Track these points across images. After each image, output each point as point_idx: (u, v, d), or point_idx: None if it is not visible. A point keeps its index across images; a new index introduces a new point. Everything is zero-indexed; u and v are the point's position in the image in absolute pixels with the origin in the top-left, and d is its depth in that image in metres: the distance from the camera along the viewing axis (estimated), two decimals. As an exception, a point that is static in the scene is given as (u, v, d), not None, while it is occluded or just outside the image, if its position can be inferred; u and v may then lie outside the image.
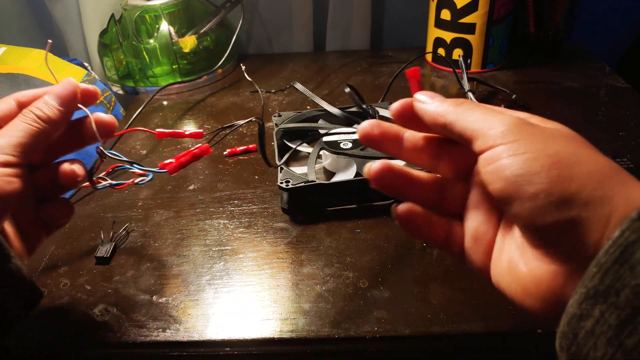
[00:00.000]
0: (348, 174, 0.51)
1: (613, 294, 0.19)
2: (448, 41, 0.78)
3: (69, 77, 0.34)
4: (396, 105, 0.29)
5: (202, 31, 0.81)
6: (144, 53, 0.79)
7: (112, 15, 0.80)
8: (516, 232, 0.26)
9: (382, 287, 0.41)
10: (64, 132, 0.34)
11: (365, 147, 0.53)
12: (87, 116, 0.34)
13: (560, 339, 0.21)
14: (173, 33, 0.78)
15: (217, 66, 0.83)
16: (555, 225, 0.22)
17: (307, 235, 0.47)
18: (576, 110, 0.66)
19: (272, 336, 0.37)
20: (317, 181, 0.48)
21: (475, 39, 0.76)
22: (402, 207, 0.31)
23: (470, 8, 0.73)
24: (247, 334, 0.38)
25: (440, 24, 0.78)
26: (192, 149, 0.37)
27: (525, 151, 0.22)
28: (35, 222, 0.34)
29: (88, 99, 0.35)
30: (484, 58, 0.78)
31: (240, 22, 0.85)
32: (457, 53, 0.78)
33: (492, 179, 0.23)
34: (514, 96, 0.69)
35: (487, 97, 0.71)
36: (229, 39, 0.84)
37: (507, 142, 0.23)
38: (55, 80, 0.35)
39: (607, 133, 0.60)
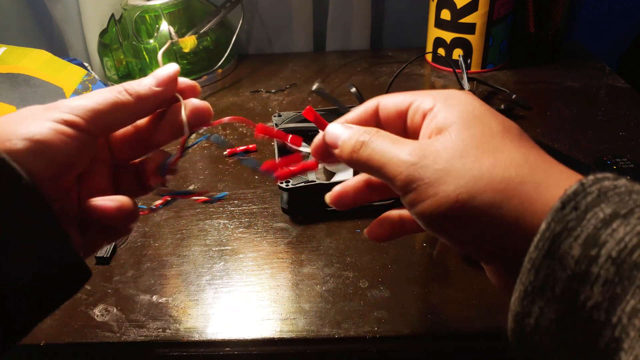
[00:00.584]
0: (348, 174, 0.51)
1: (548, 289, 0.19)
2: (448, 41, 0.78)
3: (173, 63, 0.30)
4: (313, 145, 0.32)
5: (202, 31, 0.81)
6: (144, 53, 0.79)
7: (112, 15, 0.80)
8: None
9: (382, 287, 0.41)
10: (151, 123, 0.31)
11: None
12: (178, 103, 0.30)
13: (511, 336, 0.22)
14: (173, 33, 0.78)
15: (217, 66, 0.83)
16: (481, 257, 0.24)
17: (307, 235, 0.47)
18: (576, 110, 0.66)
19: (272, 336, 0.37)
20: (317, 181, 0.48)
21: (475, 39, 0.76)
22: (373, 229, 0.33)
23: (470, 8, 0.73)
24: (247, 334, 0.38)
25: (440, 24, 0.78)
26: (301, 161, 0.35)
27: (429, 196, 0.24)
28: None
29: (188, 91, 0.31)
30: (484, 58, 0.78)
31: (240, 22, 0.85)
32: (457, 53, 0.78)
33: (416, 219, 0.25)
34: (514, 96, 0.69)
35: (487, 97, 0.71)
36: (229, 39, 0.84)
37: (414, 187, 0.24)
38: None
39: (607, 133, 0.60)
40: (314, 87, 0.56)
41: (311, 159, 0.34)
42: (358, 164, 0.27)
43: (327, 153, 0.30)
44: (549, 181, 0.22)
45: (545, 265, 0.20)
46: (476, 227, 0.22)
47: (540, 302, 0.20)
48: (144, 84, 0.28)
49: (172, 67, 0.29)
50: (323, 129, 0.30)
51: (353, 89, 0.56)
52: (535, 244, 0.20)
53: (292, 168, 0.34)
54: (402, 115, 0.28)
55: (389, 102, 0.29)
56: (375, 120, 0.29)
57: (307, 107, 0.32)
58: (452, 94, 0.27)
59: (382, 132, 0.27)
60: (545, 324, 0.20)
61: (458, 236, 0.23)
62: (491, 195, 0.22)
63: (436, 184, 0.23)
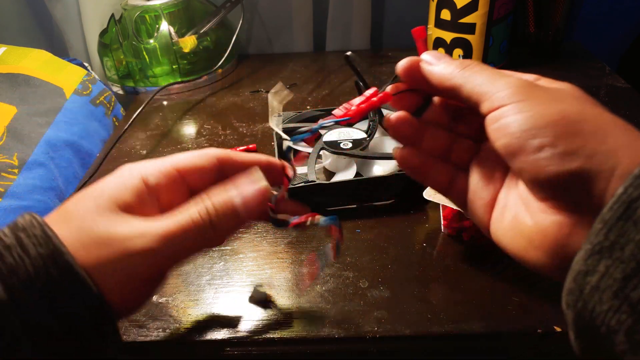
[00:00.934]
0: (348, 174, 0.51)
1: (617, 249, 0.19)
2: (448, 41, 0.78)
3: (260, 178, 0.28)
4: (403, 63, 0.30)
5: (202, 31, 0.81)
6: (144, 53, 0.79)
7: (112, 15, 0.80)
8: (521, 188, 0.26)
9: (382, 287, 0.41)
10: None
11: (366, 147, 0.53)
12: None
13: (567, 296, 0.22)
14: (173, 33, 0.78)
15: (217, 66, 0.83)
16: (559, 177, 0.22)
17: (307, 235, 0.47)
18: (576, 110, 0.66)
19: (272, 336, 0.37)
20: (317, 181, 0.48)
21: (475, 39, 0.76)
22: (404, 151, 0.32)
23: (470, 8, 0.73)
24: (247, 334, 0.38)
25: (440, 24, 0.78)
26: (369, 98, 0.32)
27: (530, 109, 0.23)
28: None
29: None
30: (484, 58, 0.78)
31: (240, 22, 0.85)
32: (457, 53, 0.78)
33: (498, 136, 0.24)
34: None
35: (487, 97, 0.71)
36: (229, 39, 0.84)
37: (513, 102, 0.24)
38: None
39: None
40: (348, 53, 0.56)
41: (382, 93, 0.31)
42: (453, 82, 0.27)
43: (414, 73, 0.30)
44: (626, 148, 0.22)
45: (618, 227, 0.20)
46: (571, 145, 0.22)
47: (607, 261, 0.20)
48: (230, 214, 0.27)
49: (261, 189, 0.28)
50: (422, 52, 0.30)
51: (349, 53, 0.56)
52: (610, 206, 0.20)
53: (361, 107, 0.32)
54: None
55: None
56: None
57: (419, 27, 0.32)
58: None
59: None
60: (609, 282, 0.19)
61: (546, 150, 0.22)
62: (598, 125, 0.22)
63: (544, 103, 0.23)
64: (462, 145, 0.31)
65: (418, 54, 0.31)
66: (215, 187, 0.28)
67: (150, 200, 0.27)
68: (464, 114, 0.31)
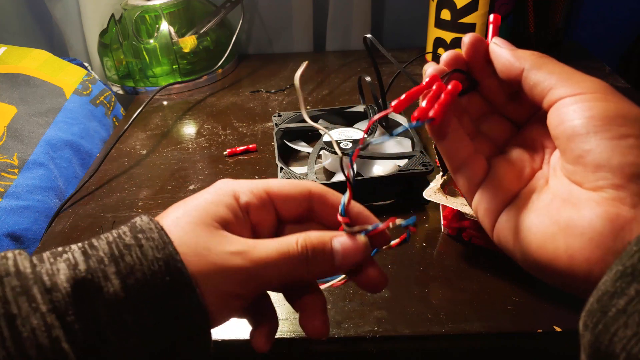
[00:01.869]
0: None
1: None
2: (448, 41, 0.78)
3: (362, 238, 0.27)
4: (470, 37, 0.29)
5: (202, 31, 0.81)
6: (144, 53, 0.79)
7: (112, 15, 0.80)
8: (555, 186, 0.25)
9: (382, 287, 0.41)
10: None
11: (366, 147, 0.53)
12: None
13: (586, 317, 0.20)
14: (173, 33, 0.78)
15: (217, 66, 0.83)
16: (632, 167, 0.22)
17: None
18: (576, 110, 0.66)
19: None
20: (317, 181, 0.48)
21: (475, 39, 0.76)
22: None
23: (470, 8, 0.73)
24: (247, 334, 0.37)
25: (440, 24, 0.78)
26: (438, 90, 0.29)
27: (616, 102, 0.23)
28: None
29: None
30: (484, 58, 0.78)
31: (240, 22, 0.85)
32: (457, 53, 0.78)
33: (572, 117, 0.24)
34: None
35: (487, 97, 0.71)
36: (229, 39, 0.84)
37: (596, 92, 0.24)
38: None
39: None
40: (367, 78, 0.56)
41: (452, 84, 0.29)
42: (527, 64, 0.27)
43: (478, 49, 0.29)
44: None
45: None
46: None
47: (637, 286, 0.19)
48: (326, 257, 0.27)
49: (361, 244, 0.27)
50: (492, 37, 0.30)
51: (368, 78, 0.56)
52: None
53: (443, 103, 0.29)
54: None
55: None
56: None
57: (497, 15, 0.31)
58: None
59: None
60: (639, 307, 0.18)
61: (631, 139, 0.22)
62: None
63: (622, 100, 0.24)
64: (485, 142, 0.30)
65: (486, 38, 0.30)
66: (315, 230, 0.27)
67: (242, 218, 0.27)
68: (496, 117, 0.31)
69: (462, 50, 0.29)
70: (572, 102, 0.24)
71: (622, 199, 0.22)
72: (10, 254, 0.23)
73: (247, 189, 0.28)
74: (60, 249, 0.24)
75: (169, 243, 0.24)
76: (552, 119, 0.25)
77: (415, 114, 0.29)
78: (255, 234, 0.28)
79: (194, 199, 0.27)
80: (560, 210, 0.24)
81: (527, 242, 0.25)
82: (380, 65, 0.85)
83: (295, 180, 0.29)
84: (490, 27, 0.30)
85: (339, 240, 0.27)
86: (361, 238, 0.27)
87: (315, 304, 0.29)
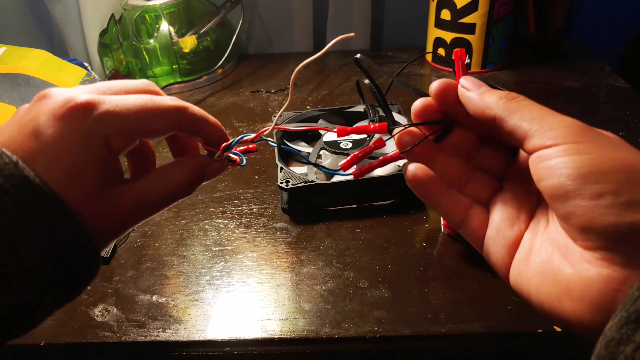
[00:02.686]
0: (348, 174, 0.51)
1: None
2: (448, 41, 0.78)
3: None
4: (437, 85, 0.28)
5: (202, 31, 0.81)
6: (144, 53, 0.79)
7: (112, 15, 0.80)
8: (554, 232, 0.25)
9: (382, 287, 0.41)
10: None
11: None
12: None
13: None
14: (173, 33, 0.78)
15: (217, 66, 0.83)
16: (617, 228, 0.21)
17: (307, 235, 0.47)
18: (576, 110, 0.66)
19: (272, 336, 0.37)
20: (317, 181, 0.48)
21: (475, 39, 0.76)
22: (417, 169, 0.31)
23: (470, 8, 0.73)
24: (247, 334, 0.38)
25: (440, 24, 0.78)
26: (376, 146, 0.32)
27: (591, 152, 0.22)
28: None
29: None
30: (484, 58, 0.78)
31: (240, 22, 0.85)
32: (457, 53, 0.78)
33: (546, 176, 0.23)
34: (514, 96, 0.69)
35: (487, 97, 0.71)
36: (229, 39, 0.84)
37: (570, 142, 0.22)
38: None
39: (607, 133, 0.60)
40: (365, 81, 0.56)
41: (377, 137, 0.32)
42: (497, 111, 0.25)
43: (449, 97, 0.29)
44: None
45: None
46: (636, 195, 0.21)
47: None
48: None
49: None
50: (458, 77, 0.29)
51: (366, 81, 0.56)
52: None
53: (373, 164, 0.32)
54: None
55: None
56: None
57: (460, 49, 0.30)
58: None
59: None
60: None
61: (607, 198, 0.21)
62: None
63: (605, 147, 0.22)
64: (482, 179, 0.29)
65: (455, 77, 0.29)
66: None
67: (114, 162, 0.26)
68: (488, 146, 0.29)
69: (432, 97, 0.29)
70: (547, 156, 0.23)
71: (613, 260, 0.21)
72: None
73: (118, 132, 0.25)
74: None
75: (33, 177, 0.22)
76: (532, 172, 0.24)
77: (345, 163, 0.33)
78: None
79: (67, 154, 0.24)
80: (561, 269, 0.23)
81: (538, 302, 0.25)
82: (380, 65, 0.85)
83: (173, 108, 0.28)
84: (457, 64, 0.30)
85: (212, 167, 0.32)
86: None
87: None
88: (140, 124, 0.26)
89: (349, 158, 0.32)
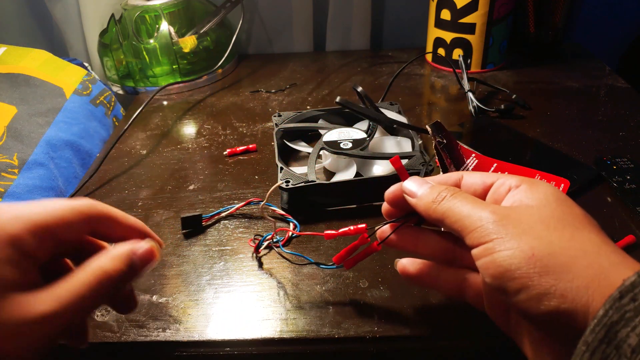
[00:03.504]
0: (348, 174, 0.51)
1: None
2: (448, 41, 0.78)
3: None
4: (389, 194, 0.33)
5: (202, 31, 0.81)
6: (144, 53, 0.79)
7: (112, 15, 0.80)
8: None
9: (382, 287, 0.41)
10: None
11: (366, 147, 0.53)
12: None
13: None
14: (173, 33, 0.78)
15: (217, 66, 0.83)
16: (540, 317, 0.23)
17: (307, 235, 0.47)
18: (576, 110, 0.66)
19: (272, 336, 0.37)
20: (317, 181, 0.48)
21: (475, 39, 0.76)
22: (406, 264, 0.34)
23: (470, 8, 0.73)
24: (247, 334, 0.38)
25: (440, 24, 0.78)
26: (360, 243, 0.37)
27: (506, 248, 0.25)
28: None
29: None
30: (484, 58, 0.78)
31: (240, 22, 0.85)
32: (457, 53, 0.78)
33: (484, 273, 0.26)
34: (514, 96, 0.69)
35: (487, 97, 0.71)
36: (229, 39, 0.84)
37: (491, 239, 0.25)
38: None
39: (607, 133, 0.60)
40: (358, 89, 0.56)
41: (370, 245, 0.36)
42: (434, 216, 0.29)
43: (400, 202, 0.32)
44: (611, 269, 0.23)
45: (600, 351, 0.20)
46: (543, 286, 0.23)
47: None
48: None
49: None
50: (404, 179, 0.33)
51: (359, 89, 0.56)
52: (592, 328, 0.21)
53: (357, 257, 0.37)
54: (486, 189, 0.30)
55: (476, 176, 0.31)
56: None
57: (395, 156, 0.36)
58: (538, 181, 0.29)
59: (463, 191, 0.29)
60: None
61: (523, 292, 0.24)
62: (566, 260, 0.23)
63: (515, 239, 0.24)
64: (466, 251, 0.31)
65: (401, 180, 0.33)
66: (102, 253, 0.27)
67: (27, 265, 0.24)
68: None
69: (387, 203, 0.34)
70: (476, 256, 0.26)
71: (554, 339, 0.25)
72: None
73: (25, 231, 0.24)
74: None
75: None
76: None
77: (334, 258, 0.37)
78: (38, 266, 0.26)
79: None
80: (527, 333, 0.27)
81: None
82: (380, 65, 0.85)
83: (79, 204, 0.27)
84: (398, 171, 0.35)
85: (138, 251, 0.27)
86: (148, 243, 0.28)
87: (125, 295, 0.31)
88: (49, 221, 0.25)
89: (341, 252, 0.37)
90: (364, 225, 0.37)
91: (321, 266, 0.41)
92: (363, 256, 0.38)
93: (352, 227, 0.37)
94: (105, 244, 0.31)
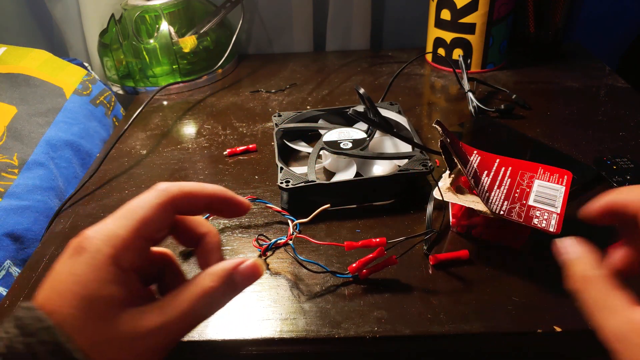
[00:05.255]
0: (348, 174, 0.51)
1: None
2: (448, 41, 0.78)
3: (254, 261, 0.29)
4: (602, 205, 0.30)
5: (202, 31, 0.81)
6: (144, 53, 0.79)
7: (112, 15, 0.80)
8: None
9: (382, 287, 0.41)
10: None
11: (366, 147, 0.53)
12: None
13: None
14: (173, 33, 0.78)
15: (217, 66, 0.83)
16: None
17: (307, 235, 0.47)
18: (576, 110, 0.66)
19: (272, 336, 0.37)
20: (317, 181, 0.48)
21: (475, 39, 0.76)
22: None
23: (470, 8, 0.73)
24: (247, 334, 0.38)
25: (440, 24, 0.78)
26: (377, 256, 0.39)
27: None
28: None
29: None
30: (484, 58, 0.78)
31: (240, 22, 0.85)
32: (457, 53, 0.78)
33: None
34: (514, 96, 0.69)
35: (487, 97, 0.71)
36: (229, 39, 0.84)
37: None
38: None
39: (607, 133, 0.60)
40: (360, 90, 0.57)
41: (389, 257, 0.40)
42: (575, 291, 0.27)
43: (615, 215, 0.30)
44: None
45: None
46: None
47: None
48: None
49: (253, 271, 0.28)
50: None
51: (361, 90, 0.56)
52: None
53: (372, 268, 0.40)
54: None
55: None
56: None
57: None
58: None
59: (606, 276, 0.26)
60: None
61: None
62: None
63: None
64: None
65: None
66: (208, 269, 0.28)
67: (130, 278, 0.26)
68: None
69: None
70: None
71: None
72: None
73: (122, 247, 0.26)
74: None
75: (63, 343, 0.23)
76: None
77: (350, 268, 0.41)
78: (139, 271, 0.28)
79: (76, 284, 0.25)
80: None
81: None
82: (380, 65, 0.85)
83: (155, 197, 0.28)
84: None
85: (241, 269, 0.28)
86: (252, 261, 0.29)
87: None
88: (135, 225, 0.27)
89: (357, 263, 0.40)
90: (383, 239, 0.39)
91: (337, 275, 0.41)
92: (379, 268, 0.40)
93: (374, 240, 0.39)
94: (192, 218, 0.31)
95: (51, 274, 0.26)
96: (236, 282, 0.28)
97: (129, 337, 0.25)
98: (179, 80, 0.81)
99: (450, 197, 0.42)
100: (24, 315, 0.24)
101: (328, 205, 0.35)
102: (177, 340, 0.27)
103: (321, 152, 0.54)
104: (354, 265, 0.40)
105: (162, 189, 0.29)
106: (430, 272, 0.42)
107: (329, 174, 0.54)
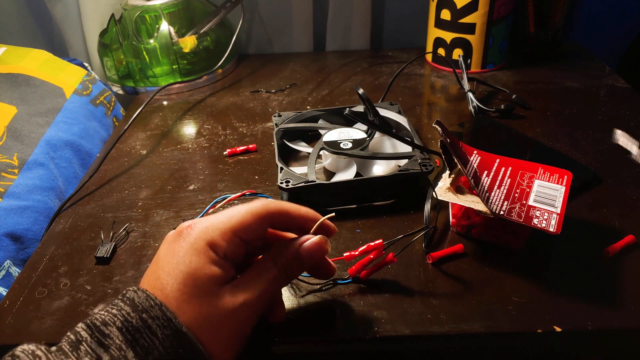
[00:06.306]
0: (348, 174, 0.51)
1: None
2: (448, 41, 0.78)
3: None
4: None
5: (202, 31, 0.81)
6: (144, 53, 0.79)
7: (112, 15, 0.80)
8: None
9: (382, 287, 0.41)
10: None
11: (366, 147, 0.53)
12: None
13: None
14: (173, 33, 0.78)
15: (217, 66, 0.83)
16: None
17: (307, 235, 0.47)
18: (576, 110, 0.66)
19: (272, 336, 0.37)
20: (317, 181, 0.48)
21: (475, 39, 0.76)
22: None
23: (470, 8, 0.73)
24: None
25: (440, 24, 0.78)
26: (375, 257, 0.40)
27: None
28: None
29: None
30: (484, 58, 0.78)
31: (240, 22, 0.85)
32: (457, 53, 0.78)
33: None
34: (514, 96, 0.69)
35: (487, 97, 0.71)
36: (229, 39, 0.84)
37: None
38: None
39: (607, 133, 0.60)
40: (359, 91, 0.57)
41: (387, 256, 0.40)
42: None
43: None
44: None
45: None
46: None
47: None
48: (297, 265, 0.34)
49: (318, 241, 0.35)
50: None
51: (360, 91, 0.56)
52: None
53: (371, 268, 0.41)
54: None
55: None
56: None
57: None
58: None
59: None
60: None
61: None
62: None
63: None
64: None
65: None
66: (280, 244, 0.34)
67: (223, 263, 0.31)
68: None
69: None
70: None
71: None
72: (28, 349, 0.26)
73: (218, 236, 0.31)
74: (72, 337, 0.27)
75: (172, 318, 0.27)
76: None
77: (350, 271, 0.41)
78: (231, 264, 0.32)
79: (180, 264, 0.29)
80: None
81: None
82: (380, 65, 0.85)
83: (256, 209, 0.32)
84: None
85: (305, 245, 0.34)
86: (317, 237, 0.35)
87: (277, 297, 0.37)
88: (232, 223, 0.31)
89: (355, 265, 0.40)
90: (380, 242, 0.39)
91: (338, 282, 0.41)
92: (378, 267, 0.40)
93: (371, 244, 0.39)
94: (285, 233, 0.37)
95: (156, 258, 0.31)
96: (303, 257, 0.34)
97: (228, 311, 0.29)
98: (179, 80, 0.81)
99: (450, 197, 0.42)
100: (133, 296, 0.29)
101: (333, 215, 0.36)
102: (263, 310, 0.32)
103: (321, 152, 0.54)
104: (353, 267, 0.40)
105: (263, 203, 0.33)
106: (430, 272, 0.42)
107: (329, 174, 0.54)
